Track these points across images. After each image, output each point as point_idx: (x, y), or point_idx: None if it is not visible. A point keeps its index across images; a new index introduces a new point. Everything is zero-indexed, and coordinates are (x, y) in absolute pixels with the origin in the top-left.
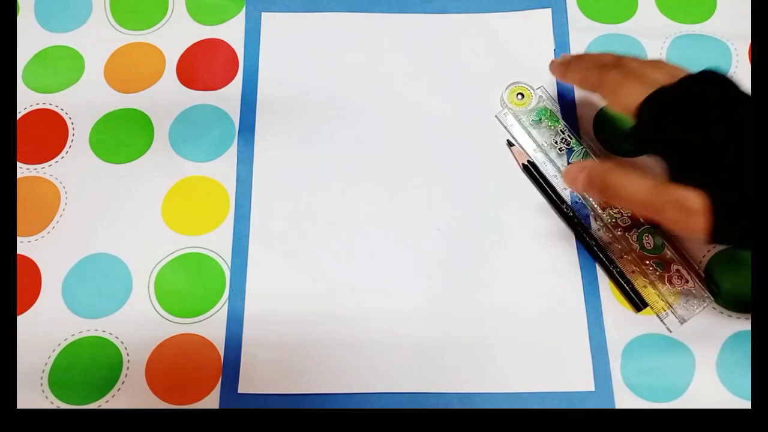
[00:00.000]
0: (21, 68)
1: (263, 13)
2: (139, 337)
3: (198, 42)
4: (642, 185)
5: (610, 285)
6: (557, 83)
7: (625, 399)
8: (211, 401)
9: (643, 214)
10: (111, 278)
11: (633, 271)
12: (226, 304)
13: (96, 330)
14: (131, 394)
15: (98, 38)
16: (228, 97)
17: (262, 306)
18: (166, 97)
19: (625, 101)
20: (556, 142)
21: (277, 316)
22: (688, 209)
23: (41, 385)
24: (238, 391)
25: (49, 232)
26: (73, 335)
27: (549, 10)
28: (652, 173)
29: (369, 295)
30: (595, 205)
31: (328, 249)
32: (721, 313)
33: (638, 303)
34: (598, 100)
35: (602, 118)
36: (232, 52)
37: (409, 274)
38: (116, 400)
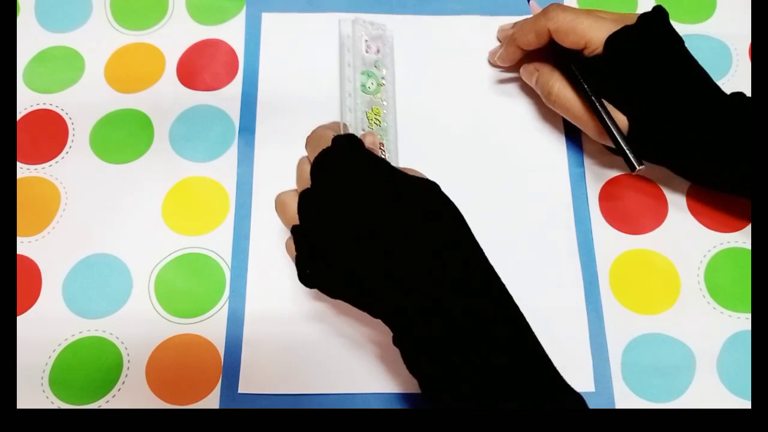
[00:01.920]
0: (21, 68)
1: (263, 14)
2: (139, 337)
3: (198, 42)
4: (578, 100)
5: (610, 283)
6: None
7: (625, 399)
8: (211, 401)
9: (571, 118)
10: (111, 278)
11: None
12: (226, 304)
13: (96, 330)
14: (131, 394)
15: (98, 38)
16: (228, 97)
17: (262, 306)
18: (166, 97)
19: (588, 36)
20: None
21: (277, 316)
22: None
23: (41, 385)
24: (238, 391)
25: (49, 232)
26: (73, 335)
27: None
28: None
29: None
30: None
31: None
32: (722, 313)
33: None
34: None
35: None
36: (232, 52)
37: None
38: (116, 400)
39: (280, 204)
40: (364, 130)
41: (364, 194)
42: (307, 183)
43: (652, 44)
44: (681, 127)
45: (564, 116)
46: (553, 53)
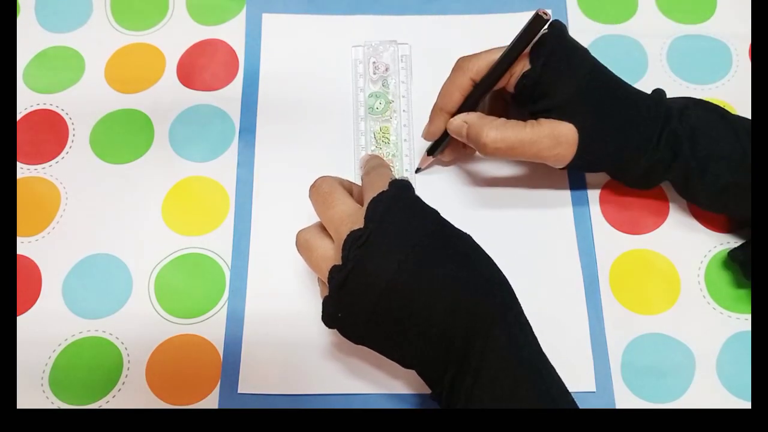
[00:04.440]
0: (21, 68)
1: (264, 14)
2: (139, 337)
3: (198, 42)
4: (516, 129)
5: (610, 284)
6: None
7: (625, 399)
8: (211, 401)
9: (519, 154)
10: (111, 278)
11: None
12: (226, 304)
13: (96, 330)
14: (131, 394)
15: (98, 38)
16: (228, 97)
17: (262, 306)
18: (166, 97)
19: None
20: None
21: (277, 316)
22: (559, 137)
23: (41, 385)
24: (238, 392)
25: (49, 233)
26: (73, 335)
27: (549, 11)
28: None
29: None
30: None
31: None
32: (721, 313)
33: None
34: None
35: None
36: (232, 53)
37: None
38: (116, 400)
39: (304, 244)
40: (371, 150)
41: (419, 252)
42: (334, 209)
43: (565, 56)
44: (622, 131)
45: (512, 158)
46: (476, 94)
